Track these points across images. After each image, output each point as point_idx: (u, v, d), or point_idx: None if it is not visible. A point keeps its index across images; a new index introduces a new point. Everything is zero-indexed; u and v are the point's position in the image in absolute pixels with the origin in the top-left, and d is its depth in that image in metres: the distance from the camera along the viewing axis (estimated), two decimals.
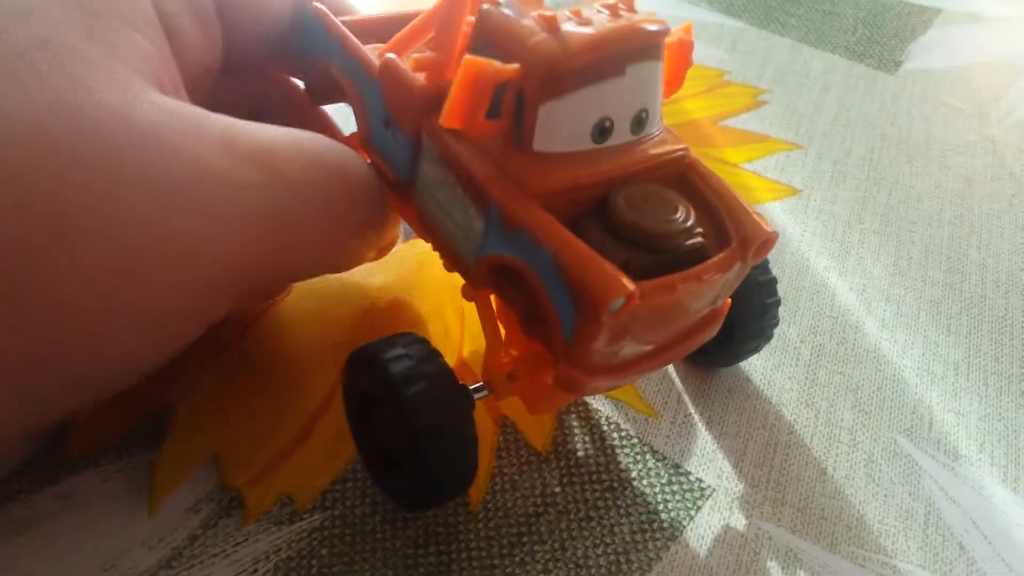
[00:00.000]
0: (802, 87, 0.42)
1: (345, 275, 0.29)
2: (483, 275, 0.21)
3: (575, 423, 0.26)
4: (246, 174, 0.18)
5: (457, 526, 0.23)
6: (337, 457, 0.25)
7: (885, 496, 0.25)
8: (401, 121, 0.22)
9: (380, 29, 0.25)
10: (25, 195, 0.15)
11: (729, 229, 0.20)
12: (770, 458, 0.25)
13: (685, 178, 0.21)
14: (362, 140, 0.24)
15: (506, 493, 0.24)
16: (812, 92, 0.42)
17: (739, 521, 0.24)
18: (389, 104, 0.22)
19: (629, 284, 0.17)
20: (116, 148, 0.16)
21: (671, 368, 0.28)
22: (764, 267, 0.24)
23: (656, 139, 0.21)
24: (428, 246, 0.23)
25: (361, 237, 0.23)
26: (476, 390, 0.22)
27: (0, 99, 0.15)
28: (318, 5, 0.25)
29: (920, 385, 0.28)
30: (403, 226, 0.31)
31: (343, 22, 0.24)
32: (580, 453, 0.25)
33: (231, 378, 0.26)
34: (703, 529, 0.24)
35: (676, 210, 0.19)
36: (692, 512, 0.24)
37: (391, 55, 0.22)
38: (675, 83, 0.22)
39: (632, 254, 0.19)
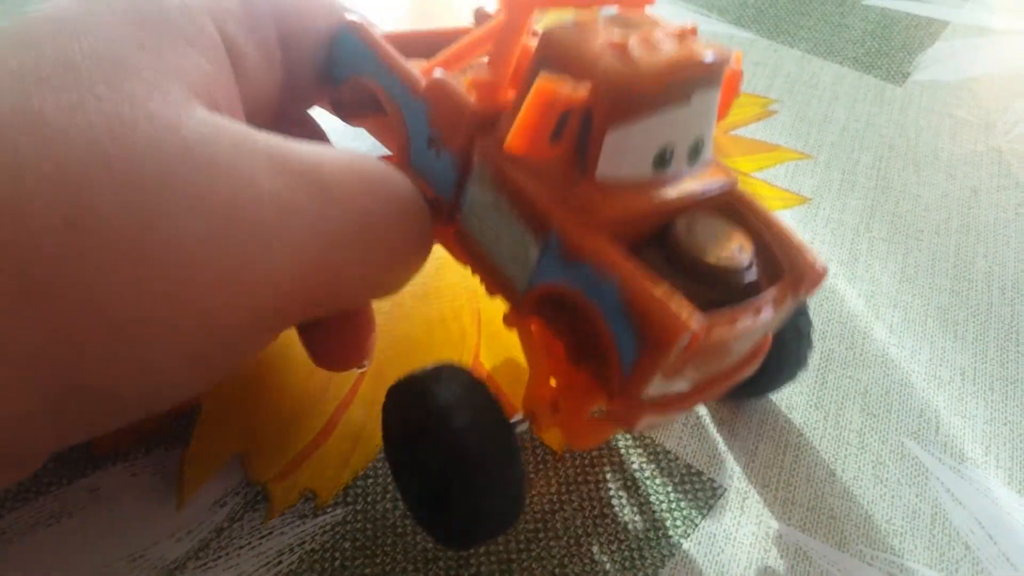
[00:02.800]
0: (811, 98, 0.43)
1: None
2: (531, 303, 0.20)
3: None
4: (295, 196, 0.18)
5: None
6: (358, 454, 0.25)
7: (893, 497, 0.25)
8: (450, 141, 0.21)
9: (420, 45, 0.24)
10: (77, 214, 0.15)
11: (781, 262, 0.19)
12: (780, 459, 0.26)
13: (734, 208, 0.20)
14: (400, 159, 0.23)
15: None
16: (821, 103, 0.42)
17: (750, 520, 0.24)
18: (437, 123, 0.21)
19: (695, 323, 0.17)
20: (170, 168, 0.16)
21: None
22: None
23: (709, 169, 0.20)
24: (446, 251, 0.24)
25: (408, 260, 0.22)
26: (517, 423, 0.21)
27: (57, 116, 0.15)
28: (356, 19, 0.24)
29: (927, 389, 0.29)
30: None
31: (383, 37, 0.23)
32: (595, 453, 0.26)
33: (255, 378, 0.27)
34: (715, 527, 0.24)
35: (737, 244, 0.19)
36: (704, 511, 0.25)
37: (440, 73, 0.21)
38: (723, 112, 0.21)
39: (695, 287, 0.18)
